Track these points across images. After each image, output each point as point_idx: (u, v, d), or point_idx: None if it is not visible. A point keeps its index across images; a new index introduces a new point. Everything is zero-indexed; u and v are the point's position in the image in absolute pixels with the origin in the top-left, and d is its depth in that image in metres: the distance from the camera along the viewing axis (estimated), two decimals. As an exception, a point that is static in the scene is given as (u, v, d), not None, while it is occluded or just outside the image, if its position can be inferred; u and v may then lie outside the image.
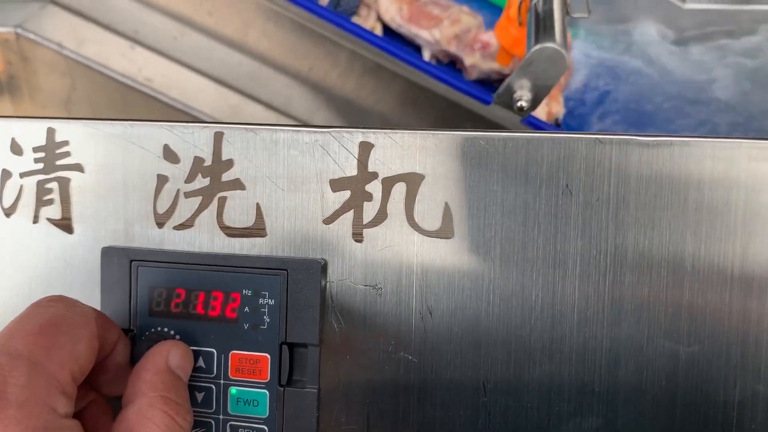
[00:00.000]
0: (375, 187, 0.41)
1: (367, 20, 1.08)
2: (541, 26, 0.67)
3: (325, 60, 0.74)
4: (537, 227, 0.40)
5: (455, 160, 0.40)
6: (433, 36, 1.05)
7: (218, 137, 0.42)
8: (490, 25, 1.19)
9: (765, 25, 1.14)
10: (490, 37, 1.03)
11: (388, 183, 0.41)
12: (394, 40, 1.07)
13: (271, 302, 0.41)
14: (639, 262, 0.39)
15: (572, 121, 1.05)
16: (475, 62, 1.03)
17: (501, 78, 1.02)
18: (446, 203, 0.40)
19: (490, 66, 1.03)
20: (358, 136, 0.41)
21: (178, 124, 0.43)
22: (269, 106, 0.75)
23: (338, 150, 0.41)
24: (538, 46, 0.64)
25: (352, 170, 0.41)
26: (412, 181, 0.40)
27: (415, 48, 1.07)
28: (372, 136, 0.41)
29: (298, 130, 0.42)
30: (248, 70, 0.74)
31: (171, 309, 0.42)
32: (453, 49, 1.04)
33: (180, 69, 0.75)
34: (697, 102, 1.05)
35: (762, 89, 1.07)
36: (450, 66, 1.06)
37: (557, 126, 0.99)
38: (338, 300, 0.42)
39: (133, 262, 0.42)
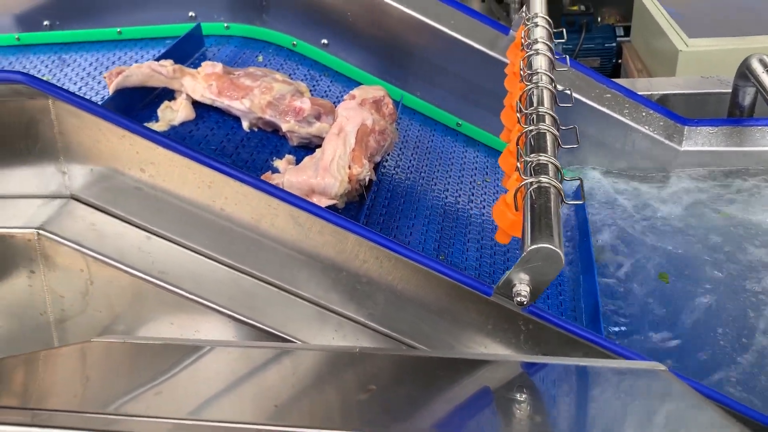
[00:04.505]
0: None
1: (177, 101, 1.06)
2: (537, 223, 0.65)
3: (333, 247, 0.79)
4: None
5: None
6: (244, 105, 1.09)
7: None
8: (325, 92, 1.24)
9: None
10: (303, 103, 1.10)
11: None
12: (210, 112, 1.08)
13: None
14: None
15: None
16: (291, 128, 1.11)
17: (320, 143, 1.11)
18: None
19: (308, 131, 1.11)
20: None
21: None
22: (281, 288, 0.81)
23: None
24: (534, 246, 0.63)
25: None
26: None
27: (235, 119, 1.09)
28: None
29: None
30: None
31: None
32: (268, 116, 1.10)
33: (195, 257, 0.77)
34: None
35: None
36: (274, 134, 1.11)
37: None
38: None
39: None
